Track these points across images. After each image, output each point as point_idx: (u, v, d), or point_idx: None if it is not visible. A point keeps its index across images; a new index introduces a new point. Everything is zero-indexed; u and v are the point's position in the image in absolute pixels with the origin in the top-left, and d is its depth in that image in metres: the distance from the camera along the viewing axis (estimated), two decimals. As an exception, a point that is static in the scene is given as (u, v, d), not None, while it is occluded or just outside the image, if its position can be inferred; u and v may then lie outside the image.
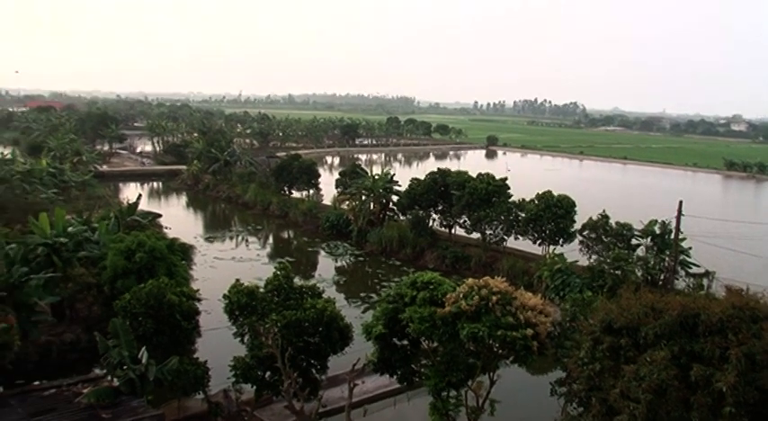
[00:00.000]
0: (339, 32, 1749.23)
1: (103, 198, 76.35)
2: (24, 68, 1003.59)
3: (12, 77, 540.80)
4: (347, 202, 73.11)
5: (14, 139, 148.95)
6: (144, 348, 29.20)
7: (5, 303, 31.86)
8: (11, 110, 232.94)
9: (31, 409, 28.43)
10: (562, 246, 56.80)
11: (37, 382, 33.12)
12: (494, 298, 26.77)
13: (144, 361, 28.70)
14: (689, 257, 49.48)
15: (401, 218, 69.98)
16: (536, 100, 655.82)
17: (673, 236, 48.31)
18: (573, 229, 56.33)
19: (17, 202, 59.76)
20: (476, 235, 63.04)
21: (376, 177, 71.78)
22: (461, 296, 27.27)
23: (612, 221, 51.81)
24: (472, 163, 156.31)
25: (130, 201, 54.18)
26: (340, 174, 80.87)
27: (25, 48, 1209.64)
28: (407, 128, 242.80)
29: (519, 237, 59.89)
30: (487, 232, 60.95)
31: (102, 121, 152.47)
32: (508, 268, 55.58)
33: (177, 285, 33.16)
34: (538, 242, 58.50)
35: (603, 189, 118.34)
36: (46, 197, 65.64)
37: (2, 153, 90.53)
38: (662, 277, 48.93)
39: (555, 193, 58.08)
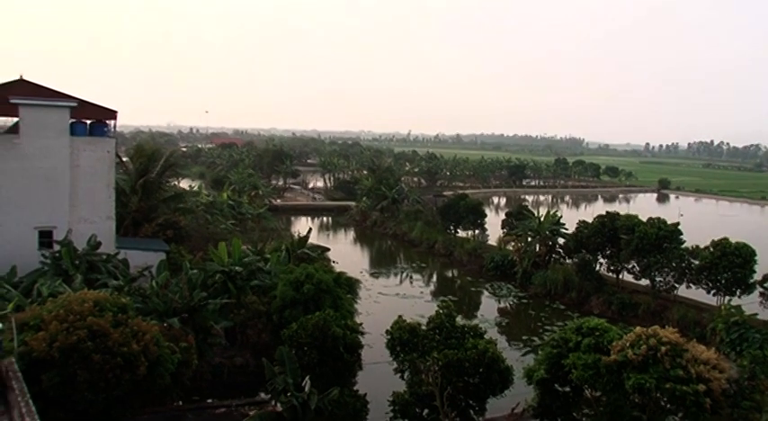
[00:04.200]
0: (508, 73, 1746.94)
1: (276, 230, 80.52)
2: (212, 108, 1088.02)
3: (202, 116, 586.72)
4: (512, 243, 72.46)
5: (201, 173, 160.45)
6: (308, 377, 30.35)
7: (187, 324, 34.38)
8: (199, 146, 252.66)
9: (205, 425, 30.57)
10: (739, 297, 53.04)
11: (210, 400, 35.57)
12: (663, 348, 25.70)
13: (307, 389, 29.75)
14: None
15: (567, 261, 68.39)
16: (712, 142, 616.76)
17: None
18: (752, 280, 52.53)
19: (200, 231, 64.18)
20: (644, 281, 60.29)
21: (542, 219, 70.79)
22: (628, 344, 26.43)
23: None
24: (642, 207, 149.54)
25: (301, 235, 56.25)
26: (506, 214, 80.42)
27: (214, 90, 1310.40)
28: (575, 169, 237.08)
29: (691, 285, 56.56)
30: (657, 279, 58.16)
31: (278, 158, 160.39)
32: (679, 318, 52.65)
33: (342, 318, 34.27)
34: (712, 292, 54.98)
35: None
36: (225, 227, 70.13)
37: (190, 186, 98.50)
38: None
39: (732, 241, 54.55)
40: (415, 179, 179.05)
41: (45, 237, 43.70)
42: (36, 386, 23.19)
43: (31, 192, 43.29)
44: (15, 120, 45.33)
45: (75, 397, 25.30)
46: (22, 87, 43.04)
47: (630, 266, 61.19)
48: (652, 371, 25.25)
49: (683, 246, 57.48)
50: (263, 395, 35.20)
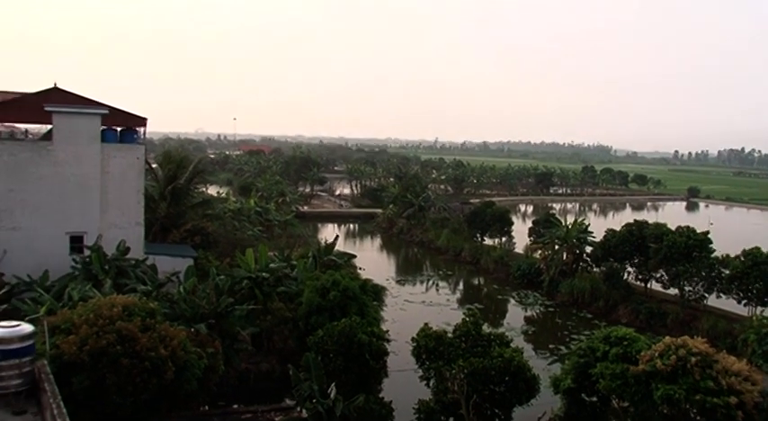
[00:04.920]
0: (536, 82, 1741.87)
1: (303, 237, 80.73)
2: (240, 115, 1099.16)
3: (230, 123, 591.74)
4: (539, 251, 72.12)
5: (228, 180, 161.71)
6: (333, 384, 30.42)
7: (213, 330, 34.63)
8: (227, 153, 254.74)
9: (232, 430, 30.76)
10: (773, 307, 52.18)
11: (236, 406, 35.78)
12: (692, 359, 25.38)
13: (332, 396, 29.84)
14: None
15: (594, 269, 67.85)
16: (743, 149, 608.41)
17: None
18: (785, 290, 51.57)
19: (228, 237, 64.52)
20: (673, 290, 59.55)
21: (569, 227, 70.35)
22: (657, 354, 26.15)
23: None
24: (671, 215, 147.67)
25: (328, 242, 56.39)
26: (533, 222, 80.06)
27: (242, 97, 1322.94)
28: (603, 177, 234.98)
29: (721, 295, 55.70)
30: (686, 288, 57.41)
31: (305, 165, 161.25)
32: (708, 328, 51.87)
33: (368, 325, 34.31)
34: (743, 302, 54.13)
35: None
36: (252, 234, 70.50)
37: (218, 192, 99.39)
38: None
39: (764, 250, 53.72)
40: (442, 186, 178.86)
41: (76, 243, 44.36)
42: (66, 388, 23.52)
43: (63, 197, 44.03)
44: (49, 127, 46.14)
45: (104, 400, 25.66)
46: (56, 95, 43.80)
47: (659, 275, 60.51)
48: (681, 382, 24.94)
49: (712, 255, 56.71)
50: (288, 401, 35.32)
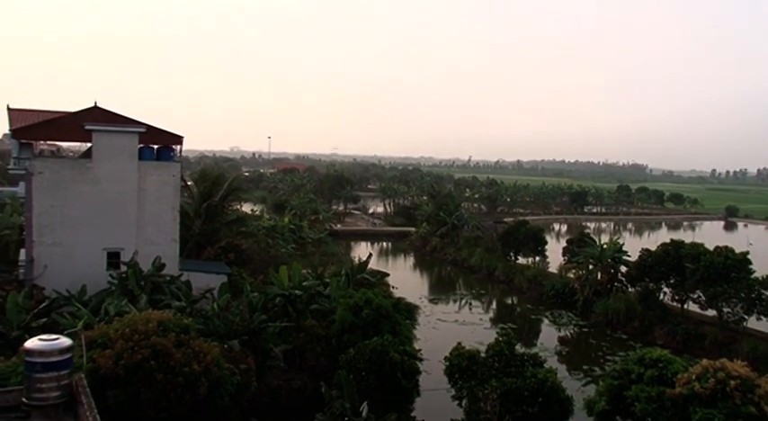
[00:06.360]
0: (570, 99, 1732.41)
1: (336, 255, 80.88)
2: (275, 134, 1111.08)
3: (264, 142, 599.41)
4: (573, 271, 71.43)
5: (263, 198, 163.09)
6: (365, 402, 30.39)
7: (246, 346, 34.85)
8: (261, 171, 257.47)
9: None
10: (817, 331, 50.95)
11: (267, 423, 35.86)
12: (732, 383, 24.85)
13: (364, 414, 29.80)
14: None
15: (629, 289, 66.90)
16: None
17: None
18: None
19: (261, 255, 64.96)
20: (711, 312, 58.43)
21: (604, 246, 69.59)
22: (694, 377, 25.68)
23: None
24: (708, 235, 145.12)
25: (361, 260, 56.36)
26: (567, 241, 79.35)
27: (276, 116, 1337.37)
28: (638, 196, 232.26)
29: (762, 317, 54.56)
30: (724, 310, 56.30)
31: (339, 183, 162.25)
32: (749, 351, 50.69)
33: (400, 344, 34.30)
34: (786, 325, 52.95)
35: None
36: (285, 251, 70.90)
37: (252, 210, 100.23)
38: None
39: (807, 272, 52.58)
40: (476, 205, 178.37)
41: (113, 258, 45.07)
42: (102, 402, 23.83)
43: (101, 214, 44.80)
44: (89, 145, 47.10)
45: (139, 414, 25.92)
46: (96, 114, 44.77)
47: (696, 296, 59.45)
48: (721, 407, 24.41)
49: (752, 276, 55.63)
50: (320, 418, 35.31)
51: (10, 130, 45.11)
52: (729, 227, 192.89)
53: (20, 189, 51.48)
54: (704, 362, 26.68)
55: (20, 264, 44.80)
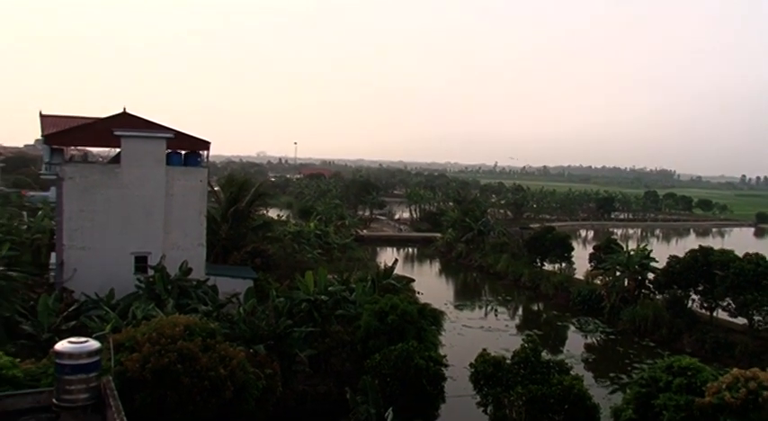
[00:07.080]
0: (597, 105, 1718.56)
1: (362, 260, 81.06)
2: (301, 139, 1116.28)
3: (291, 147, 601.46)
4: (600, 277, 70.84)
5: (289, 203, 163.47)
6: (390, 408, 30.36)
7: (272, 351, 34.98)
8: (288, 176, 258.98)
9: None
10: None
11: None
12: (765, 393, 24.45)
13: (389, 420, 29.81)
14: None
15: (657, 296, 66.12)
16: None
17: None
18: None
19: (287, 260, 65.16)
20: (741, 320, 57.57)
21: (631, 253, 68.91)
22: (725, 386, 25.31)
23: None
24: (738, 241, 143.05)
25: (387, 265, 56.42)
26: (594, 248, 78.67)
27: (303, 121, 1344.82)
28: (666, 202, 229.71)
29: (795, 326, 53.63)
30: (756, 318, 55.42)
31: (365, 189, 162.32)
32: (782, 361, 49.91)
33: (425, 350, 34.24)
34: (819, 334, 51.98)
35: None
36: (311, 257, 71.07)
37: (278, 215, 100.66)
38: None
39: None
40: (502, 211, 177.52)
41: (140, 263, 45.50)
42: (129, 405, 24.07)
43: (129, 219, 45.31)
44: (118, 150, 47.68)
45: (165, 417, 26.13)
46: (125, 120, 45.31)
47: (725, 304, 58.62)
48: (753, 417, 24.03)
49: (785, 283, 54.69)
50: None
51: (42, 136, 45.83)
52: (760, 233, 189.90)
53: (51, 193, 52.30)
54: (735, 370, 26.29)
55: (50, 267, 45.40)
